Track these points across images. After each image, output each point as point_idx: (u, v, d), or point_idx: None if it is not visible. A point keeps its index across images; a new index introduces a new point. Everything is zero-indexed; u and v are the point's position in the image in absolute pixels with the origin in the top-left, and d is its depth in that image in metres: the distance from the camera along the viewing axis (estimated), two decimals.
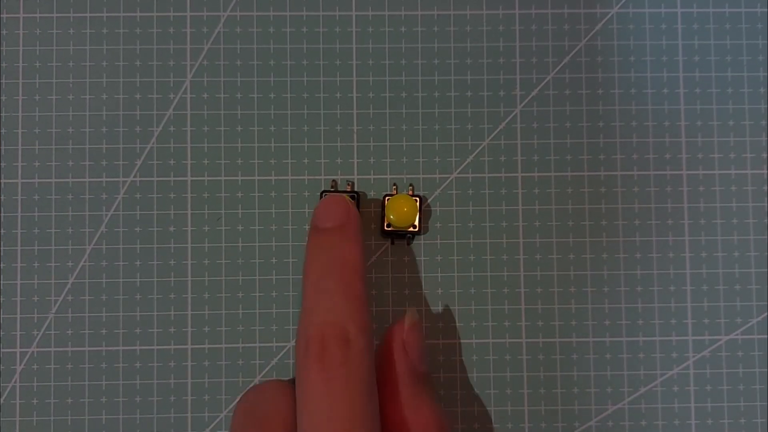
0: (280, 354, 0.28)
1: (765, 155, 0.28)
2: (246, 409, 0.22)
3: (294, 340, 0.28)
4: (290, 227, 0.28)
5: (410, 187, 0.28)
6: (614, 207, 0.28)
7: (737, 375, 0.28)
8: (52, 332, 0.27)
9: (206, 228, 0.28)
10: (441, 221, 0.28)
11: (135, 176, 0.28)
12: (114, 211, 0.28)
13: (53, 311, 0.28)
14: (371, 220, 0.28)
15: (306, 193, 0.28)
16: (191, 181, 0.28)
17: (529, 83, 0.29)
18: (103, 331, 0.28)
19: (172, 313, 0.28)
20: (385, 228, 0.27)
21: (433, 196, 0.28)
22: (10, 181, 0.28)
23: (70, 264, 0.28)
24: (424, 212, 0.28)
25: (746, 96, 0.29)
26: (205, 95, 0.28)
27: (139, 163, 0.28)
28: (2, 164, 0.28)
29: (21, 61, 0.28)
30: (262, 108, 0.28)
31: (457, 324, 0.28)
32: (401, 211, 0.27)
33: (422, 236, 0.28)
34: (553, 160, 0.28)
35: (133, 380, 0.27)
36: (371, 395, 0.21)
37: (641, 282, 0.28)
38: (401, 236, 0.28)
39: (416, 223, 0.27)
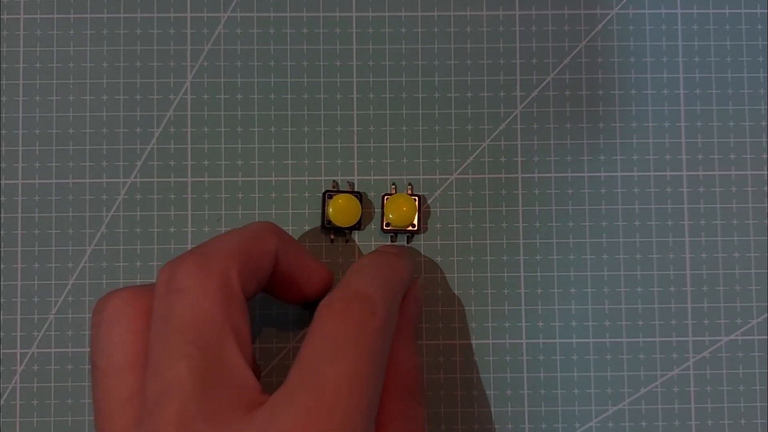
0: (281, 355, 0.28)
1: (765, 156, 0.29)
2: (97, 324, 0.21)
3: (295, 341, 0.28)
4: (290, 228, 0.28)
5: (409, 187, 0.28)
6: (614, 208, 0.28)
7: (737, 376, 0.28)
8: (53, 333, 0.27)
9: (207, 229, 0.28)
10: (441, 222, 0.28)
11: (135, 177, 0.28)
12: (114, 212, 0.28)
13: (53, 312, 0.28)
14: (371, 221, 0.28)
15: (306, 194, 0.28)
16: (191, 182, 0.28)
17: (529, 84, 0.29)
18: None
19: None
20: (384, 227, 0.28)
21: (433, 197, 0.28)
22: (11, 181, 0.28)
23: (70, 265, 0.28)
24: (424, 213, 0.28)
25: (746, 97, 0.29)
26: (206, 96, 0.28)
27: (139, 164, 0.28)
28: (2, 165, 0.28)
29: (21, 62, 0.28)
30: (263, 109, 0.28)
31: (457, 325, 0.28)
32: (400, 211, 0.27)
33: (422, 237, 0.28)
34: (553, 161, 0.28)
35: None
36: (379, 363, 0.20)
37: (641, 283, 0.28)
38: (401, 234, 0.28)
39: (415, 222, 0.27)
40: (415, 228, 0.27)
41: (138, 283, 0.28)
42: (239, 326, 0.20)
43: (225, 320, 0.19)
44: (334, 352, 0.19)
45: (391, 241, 0.28)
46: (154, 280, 0.27)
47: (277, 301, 0.28)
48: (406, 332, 0.24)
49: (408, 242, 0.28)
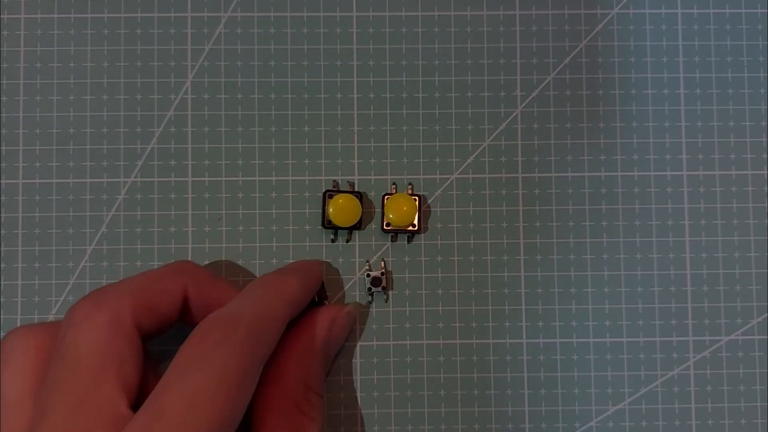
0: None
1: (765, 156, 0.29)
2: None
3: None
4: (291, 228, 0.28)
5: (409, 187, 0.28)
6: (615, 208, 0.28)
7: (738, 376, 0.28)
8: None
9: (207, 229, 0.28)
10: (441, 222, 0.28)
11: (136, 177, 0.28)
12: (115, 211, 0.28)
13: (54, 312, 0.28)
14: (371, 221, 0.28)
15: (307, 194, 0.28)
16: (192, 181, 0.28)
17: (530, 84, 0.29)
18: None
19: None
20: (385, 227, 0.28)
21: (433, 197, 0.28)
22: (11, 181, 0.28)
23: (70, 264, 0.28)
24: (425, 213, 0.28)
25: (746, 97, 0.29)
26: (206, 96, 0.28)
27: (140, 163, 0.28)
28: (3, 165, 0.28)
29: (22, 62, 0.28)
30: (263, 109, 0.28)
31: (458, 324, 0.28)
32: (401, 210, 0.27)
33: (423, 237, 0.28)
34: (553, 161, 0.28)
35: None
36: (241, 384, 0.21)
37: (642, 283, 0.28)
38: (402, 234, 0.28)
39: (416, 221, 0.27)
40: (416, 228, 0.27)
41: None
42: (125, 357, 0.21)
43: (109, 351, 0.21)
44: (185, 368, 0.20)
45: (392, 241, 0.28)
46: None
47: None
48: (302, 351, 0.25)
49: (409, 242, 0.28)
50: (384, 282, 0.27)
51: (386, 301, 0.28)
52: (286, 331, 0.24)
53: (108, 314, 0.21)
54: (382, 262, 0.28)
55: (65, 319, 0.22)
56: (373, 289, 0.27)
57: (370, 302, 0.28)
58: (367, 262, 0.28)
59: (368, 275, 0.27)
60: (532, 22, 0.29)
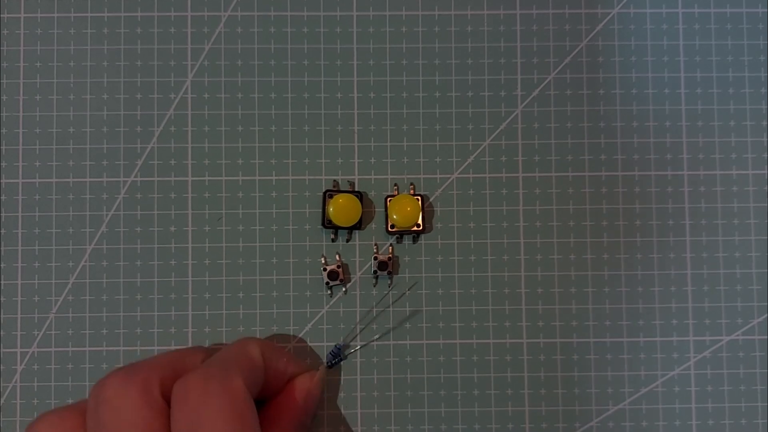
0: None
1: (766, 155, 0.28)
2: None
3: (295, 341, 0.28)
4: (291, 227, 0.28)
5: (411, 187, 0.28)
6: (615, 207, 0.28)
7: (738, 376, 0.28)
8: (53, 332, 0.27)
9: (207, 228, 0.28)
10: (442, 221, 0.28)
11: (136, 176, 0.28)
12: (115, 211, 0.28)
13: (54, 311, 0.28)
14: (371, 220, 0.28)
15: (307, 194, 0.28)
16: (192, 181, 0.28)
17: (530, 83, 0.29)
18: (104, 331, 0.28)
19: (173, 313, 0.28)
20: (389, 229, 0.27)
21: (434, 197, 0.28)
22: (11, 180, 0.28)
23: (70, 264, 0.28)
24: (425, 212, 0.28)
25: (747, 96, 0.29)
26: (206, 95, 0.28)
27: (139, 163, 0.28)
28: (3, 164, 0.28)
29: (22, 61, 0.28)
30: (263, 108, 0.28)
31: (458, 324, 0.28)
32: (405, 211, 0.27)
33: (423, 236, 0.28)
34: (554, 161, 0.28)
35: None
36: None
37: (642, 282, 0.28)
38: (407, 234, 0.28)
39: (420, 221, 0.27)
40: (420, 227, 0.27)
41: (138, 283, 0.28)
42: (157, 429, 0.21)
43: (145, 423, 0.21)
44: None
45: (397, 242, 0.28)
46: (154, 281, 0.27)
47: (277, 300, 0.28)
48: (281, 425, 0.25)
49: (414, 242, 0.28)
50: (390, 267, 0.27)
51: (390, 286, 0.28)
52: (265, 406, 0.25)
53: (138, 386, 0.22)
54: (390, 248, 0.28)
55: (93, 395, 0.22)
56: (379, 273, 0.27)
57: (374, 285, 0.28)
58: (375, 244, 0.28)
59: (375, 258, 0.27)
60: (532, 21, 0.29)
